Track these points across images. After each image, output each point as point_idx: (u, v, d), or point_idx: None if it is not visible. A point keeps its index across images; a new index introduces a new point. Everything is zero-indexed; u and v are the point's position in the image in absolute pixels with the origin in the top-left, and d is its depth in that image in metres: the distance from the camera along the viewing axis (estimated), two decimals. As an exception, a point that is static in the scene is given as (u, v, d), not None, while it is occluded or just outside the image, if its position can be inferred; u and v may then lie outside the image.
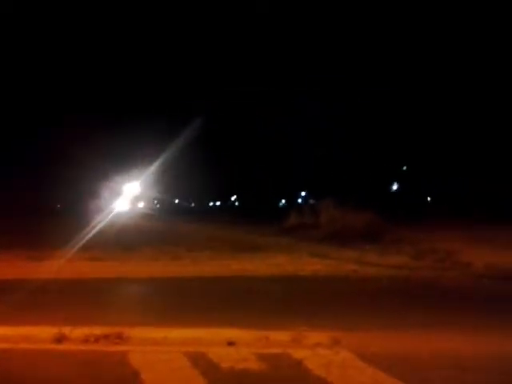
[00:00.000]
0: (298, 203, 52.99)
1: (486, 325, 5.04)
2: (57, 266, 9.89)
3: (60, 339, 4.87)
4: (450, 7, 42.32)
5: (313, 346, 4.48)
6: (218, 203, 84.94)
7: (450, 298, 6.82)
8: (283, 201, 72.85)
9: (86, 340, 4.86)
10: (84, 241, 13.60)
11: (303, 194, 59.96)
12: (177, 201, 57.54)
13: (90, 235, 15.17)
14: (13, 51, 38.46)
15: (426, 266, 9.88)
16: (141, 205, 40.73)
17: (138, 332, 4.95)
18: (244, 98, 47.52)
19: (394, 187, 53.35)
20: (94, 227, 17.31)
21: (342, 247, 12.70)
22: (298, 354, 4.28)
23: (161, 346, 4.67)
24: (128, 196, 38.18)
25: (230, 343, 4.61)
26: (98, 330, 4.97)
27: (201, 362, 4.13)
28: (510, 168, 35.39)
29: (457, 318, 5.36)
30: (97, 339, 4.83)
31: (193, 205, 74.04)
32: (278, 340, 4.65)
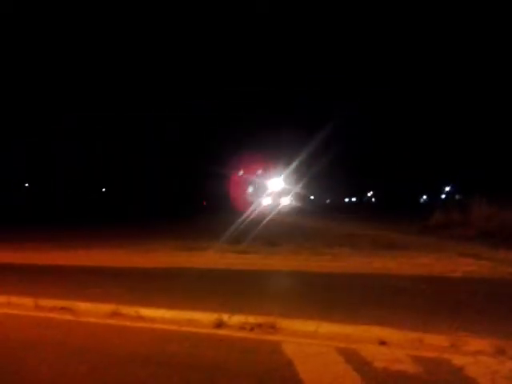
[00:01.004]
0: (442, 199, 49.47)
1: None
2: (208, 257, 10.79)
3: (219, 325, 5.31)
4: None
5: (474, 353, 4.18)
6: (353, 199, 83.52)
7: None
8: (424, 196, 68.67)
9: (242, 327, 5.22)
10: (230, 235, 14.56)
11: (448, 188, 55.76)
12: (312, 197, 57.89)
13: (235, 230, 16.19)
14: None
15: None
16: (282, 201, 41.52)
17: (289, 323, 5.15)
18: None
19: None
20: (238, 222, 18.45)
21: (497, 248, 11.47)
22: (457, 360, 4.04)
23: (312, 339, 4.79)
24: (271, 192, 39.38)
25: (382, 342, 4.53)
26: (252, 319, 5.30)
27: (353, 359, 4.14)
28: None
29: None
30: (252, 327, 5.16)
31: (328, 201, 73.86)
32: (434, 344, 4.42)
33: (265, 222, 21.36)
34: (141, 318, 5.91)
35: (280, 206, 37.43)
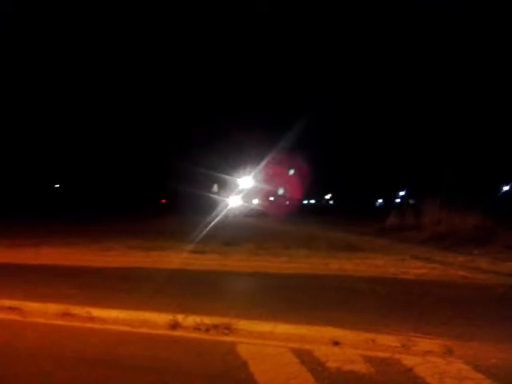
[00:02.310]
0: (397, 203, 50.96)
1: None
2: (165, 257, 10.62)
3: (174, 326, 5.23)
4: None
5: (423, 353, 4.31)
6: (312, 201, 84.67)
7: None
8: (380, 200, 70.58)
9: (197, 328, 5.16)
10: (190, 235, 14.42)
11: (402, 193, 57.48)
12: (272, 198, 58.09)
13: (196, 230, 16.05)
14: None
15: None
16: (245, 201, 40.85)
17: (244, 324, 5.14)
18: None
19: (506, 188, 48.78)
20: (199, 222, 18.30)
21: (448, 251, 11.94)
22: (407, 360, 4.15)
23: (267, 339, 4.80)
24: (236, 192, 38.89)
25: (335, 343, 4.60)
26: (207, 320, 5.25)
27: (307, 360, 4.17)
28: None
29: None
30: (207, 328, 5.11)
31: (287, 203, 74.46)
32: (386, 344, 4.53)
33: (226, 222, 21.31)
34: (92, 319, 5.74)
35: (243, 207, 37.27)
